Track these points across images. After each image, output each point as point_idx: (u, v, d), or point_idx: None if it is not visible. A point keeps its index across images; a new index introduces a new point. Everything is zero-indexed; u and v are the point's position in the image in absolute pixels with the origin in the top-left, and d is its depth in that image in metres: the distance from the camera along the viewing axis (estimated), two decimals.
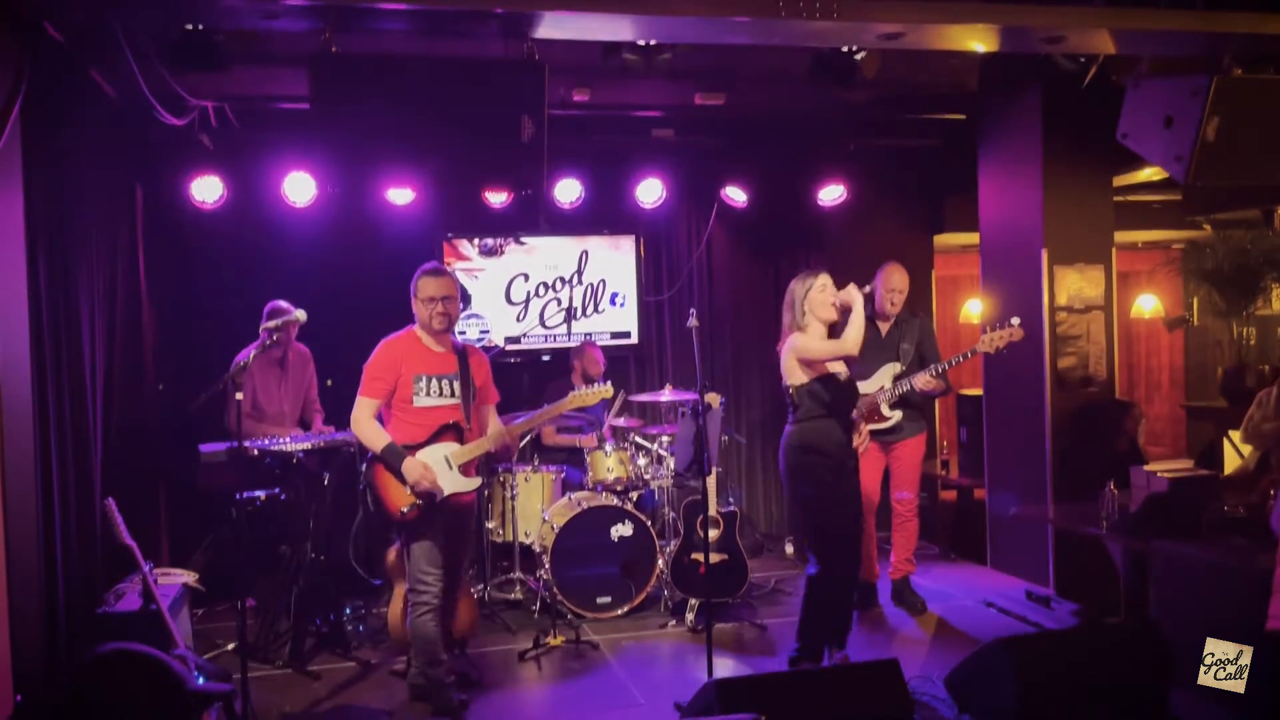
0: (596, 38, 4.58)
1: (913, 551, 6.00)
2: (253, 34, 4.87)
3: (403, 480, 4.25)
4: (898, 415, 5.72)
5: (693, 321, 4.66)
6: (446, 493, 4.30)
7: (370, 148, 4.26)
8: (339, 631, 5.45)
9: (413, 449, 4.29)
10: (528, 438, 6.42)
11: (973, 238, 7.19)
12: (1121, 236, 6.86)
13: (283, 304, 5.60)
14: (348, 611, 5.72)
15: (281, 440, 5.31)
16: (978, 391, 7.06)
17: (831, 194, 7.36)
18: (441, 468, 4.31)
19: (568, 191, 7.00)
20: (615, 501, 5.97)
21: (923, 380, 5.54)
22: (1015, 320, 5.39)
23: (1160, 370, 10.58)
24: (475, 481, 4.36)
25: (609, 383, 4.73)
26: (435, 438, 4.33)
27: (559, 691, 4.95)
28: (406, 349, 4.38)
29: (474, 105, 4.27)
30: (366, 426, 4.32)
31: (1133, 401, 7.22)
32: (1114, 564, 5.22)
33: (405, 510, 4.28)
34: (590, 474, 6.13)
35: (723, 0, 4.14)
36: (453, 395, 4.37)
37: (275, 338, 5.47)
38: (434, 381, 4.35)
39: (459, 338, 4.70)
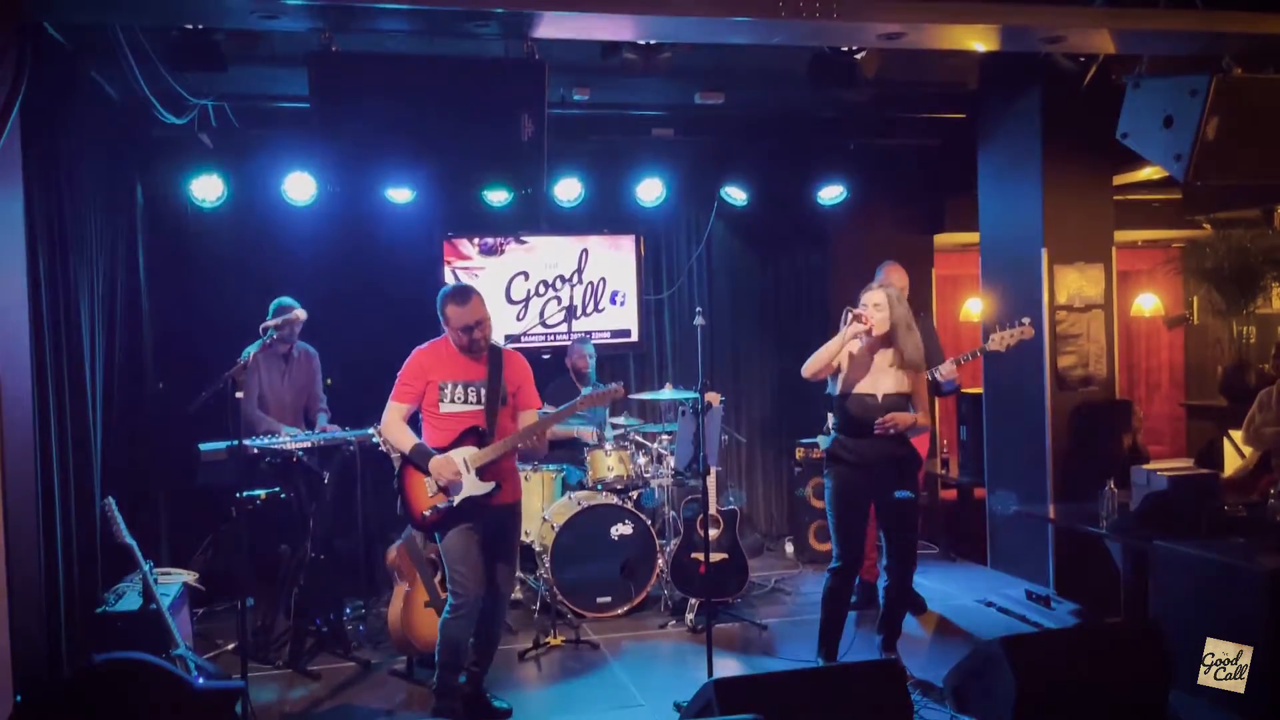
0: (596, 37, 4.58)
1: None
2: (253, 33, 4.87)
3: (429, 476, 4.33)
4: None
5: (699, 320, 4.66)
6: (463, 495, 4.32)
7: (370, 147, 4.25)
8: (339, 632, 5.45)
9: (438, 453, 4.36)
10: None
11: (973, 237, 7.19)
12: (1121, 235, 6.86)
13: (287, 300, 5.62)
14: (348, 611, 5.72)
15: (281, 439, 5.31)
16: (978, 391, 7.06)
17: (831, 193, 7.36)
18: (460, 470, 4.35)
19: (568, 190, 7.00)
20: (615, 500, 5.97)
21: (948, 368, 5.52)
22: (1026, 320, 5.39)
23: (1160, 369, 10.58)
24: (489, 485, 4.36)
25: (620, 383, 4.73)
26: (457, 442, 4.37)
27: (559, 691, 4.95)
28: (437, 356, 4.44)
29: (474, 104, 4.26)
30: (395, 429, 4.41)
31: (1132, 401, 7.22)
32: (1114, 564, 5.22)
33: (427, 514, 4.34)
34: (590, 473, 6.13)
35: (723, 0, 4.13)
36: (477, 401, 4.40)
37: (276, 335, 5.51)
38: (459, 388, 4.39)
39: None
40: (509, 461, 4.49)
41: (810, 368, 4.66)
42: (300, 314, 5.17)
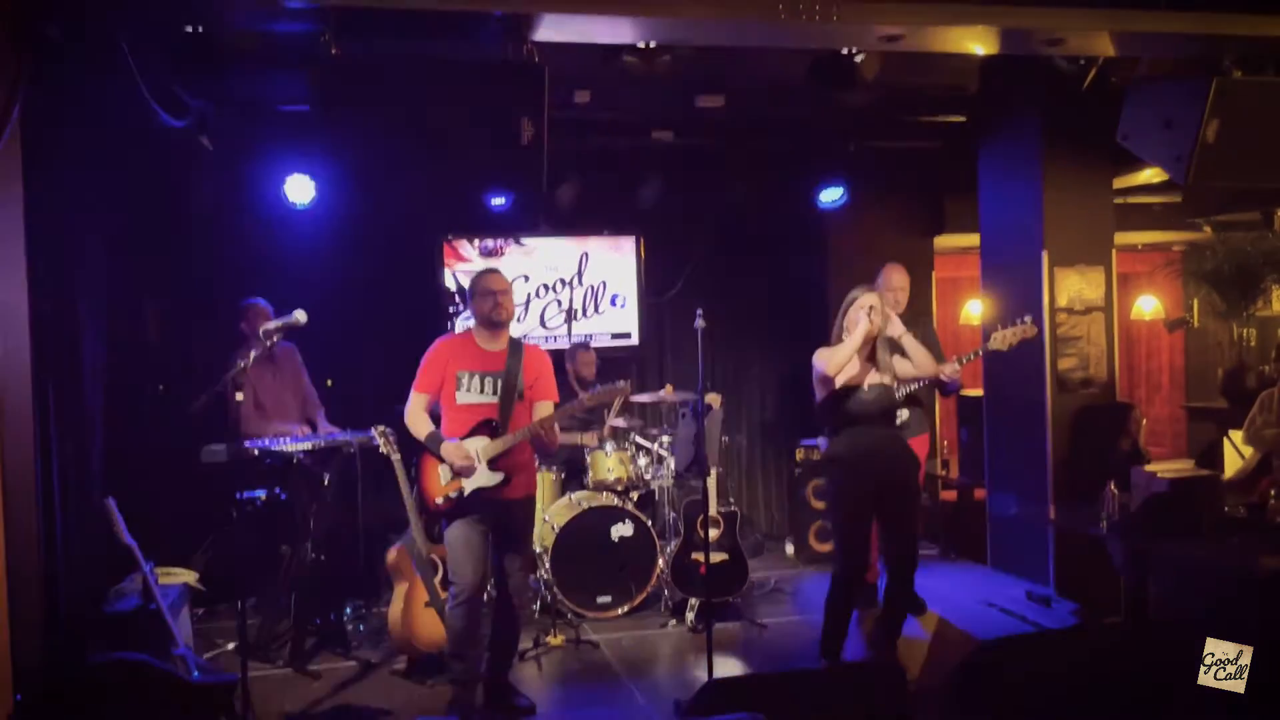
0: (597, 40, 4.58)
1: None
2: (253, 35, 4.87)
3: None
4: (905, 414, 5.72)
5: (700, 323, 4.66)
6: (473, 487, 4.38)
7: (370, 149, 4.26)
8: (339, 631, 5.46)
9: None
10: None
11: (973, 239, 7.19)
12: (1121, 238, 6.86)
13: (260, 302, 5.62)
14: (348, 611, 5.72)
15: (281, 440, 5.31)
16: (978, 392, 7.06)
17: (831, 196, 7.36)
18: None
19: (568, 193, 7.00)
20: (615, 501, 5.97)
21: (949, 369, 5.52)
22: (1028, 318, 5.39)
23: (1160, 371, 10.59)
24: (498, 477, 4.40)
25: (626, 381, 4.68)
26: (470, 434, 4.42)
27: (559, 691, 4.96)
28: (457, 346, 4.52)
29: (474, 108, 4.27)
30: (415, 418, 4.49)
31: (1133, 404, 7.23)
32: (1114, 564, 5.22)
33: (440, 501, 4.42)
34: (590, 474, 6.13)
35: (723, 2, 4.14)
36: (493, 393, 4.43)
37: (275, 339, 5.49)
38: (476, 378, 4.44)
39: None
40: (523, 455, 4.52)
41: (835, 366, 4.63)
42: (300, 318, 5.16)
